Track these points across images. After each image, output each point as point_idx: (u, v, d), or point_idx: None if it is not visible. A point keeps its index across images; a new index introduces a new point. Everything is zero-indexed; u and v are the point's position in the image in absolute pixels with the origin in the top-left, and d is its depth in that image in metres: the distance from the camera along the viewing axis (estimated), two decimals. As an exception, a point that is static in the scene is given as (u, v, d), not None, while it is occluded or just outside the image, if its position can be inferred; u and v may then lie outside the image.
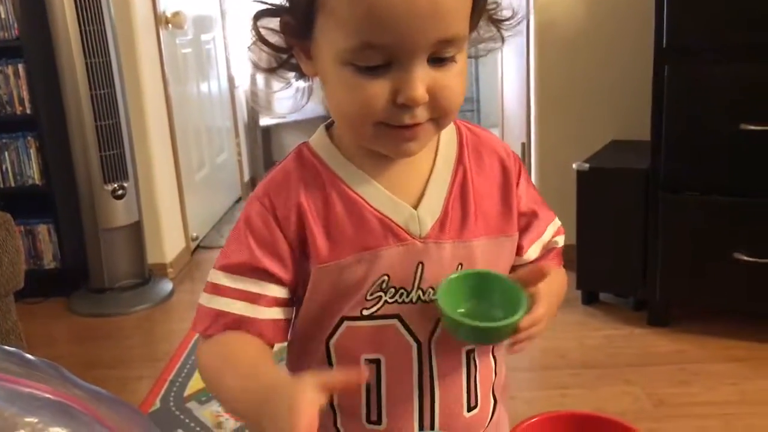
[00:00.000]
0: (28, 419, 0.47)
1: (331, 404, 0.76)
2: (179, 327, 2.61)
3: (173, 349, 2.44)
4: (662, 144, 2.20)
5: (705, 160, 2.18)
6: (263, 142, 4.80)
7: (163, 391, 2.18)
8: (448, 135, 0.77)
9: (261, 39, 0.71)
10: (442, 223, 0.73)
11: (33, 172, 2.79)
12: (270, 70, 0.74)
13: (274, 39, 0.71)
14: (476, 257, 0.74)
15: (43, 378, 0.51)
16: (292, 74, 0.75)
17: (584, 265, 2.47)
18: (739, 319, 2.29)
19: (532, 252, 0.81)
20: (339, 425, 0.77)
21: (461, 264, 0.74)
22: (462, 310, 0.70)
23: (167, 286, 2.97)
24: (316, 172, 0.74)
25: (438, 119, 0.68)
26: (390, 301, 0.73)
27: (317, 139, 0.77)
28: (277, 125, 4.77)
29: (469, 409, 0.78)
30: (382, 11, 0.61)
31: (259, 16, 0.71)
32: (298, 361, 0.79)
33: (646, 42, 2.22)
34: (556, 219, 0.85)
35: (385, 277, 0.72)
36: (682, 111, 2.18)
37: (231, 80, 4.26)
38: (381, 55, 0.63)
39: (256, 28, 0.71)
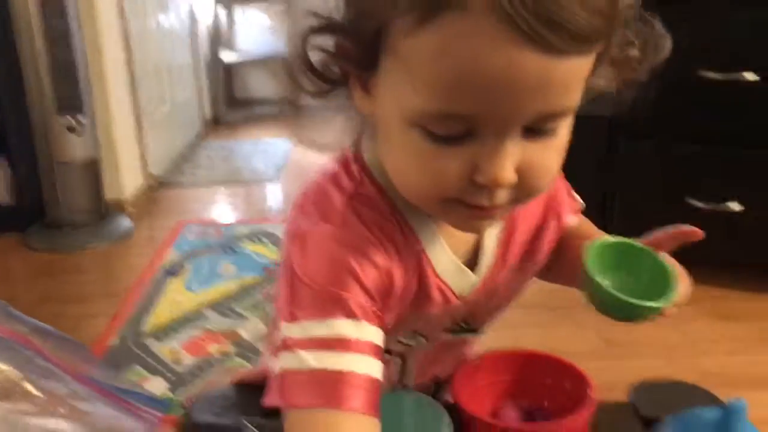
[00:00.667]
0: (-32, 354, 0.47)
1: None
2: (138, 263, 2.59)
3: (132, 285, 2.43)
4: (622, 91, 2.22)
5: (663, 107, 2.20)
6: (225, 80, 4.71)
7: (120, 327, 2.18)
8: None
9: (308, 66, 0.56)
10: (485, 281, 0.69)
11: (-16, 104, 2.71)
12: (316, 95, 0.58)
13: (322, 56, 0.56)
14: (500, 291, 0.72)
15: (-14, 314, 0.51)
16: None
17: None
18: (687, 263, 2.34)
19: (570, 221, 0.77)
20: None
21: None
22: (608, 282, 0.65)
23: (125, 222, 2.94)
24: (390, 217, 0.60)
25: (521, 199, 0.56)
26: (405, 343, 0.71)
27: (378, 169, 0.60)
28: (240, 63, 4.67)
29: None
30: (476, 80, 0.46)
31: (309, 33, 0.55)
32: None
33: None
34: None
35: (420, 330, 0.69)
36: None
37: (192, 15, 4.15)
38: (463, 125, 0.50)
39: (303, 49, 0.56)
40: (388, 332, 0.63)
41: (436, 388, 0.82)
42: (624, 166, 2.32)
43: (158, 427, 0.76)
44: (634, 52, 0.57)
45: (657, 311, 0.63)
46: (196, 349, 2.07)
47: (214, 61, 4.51)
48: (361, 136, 0.63)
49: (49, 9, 2.55)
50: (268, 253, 2.65)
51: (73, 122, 2.71)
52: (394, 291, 0.60)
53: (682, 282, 0.67)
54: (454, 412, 0.69)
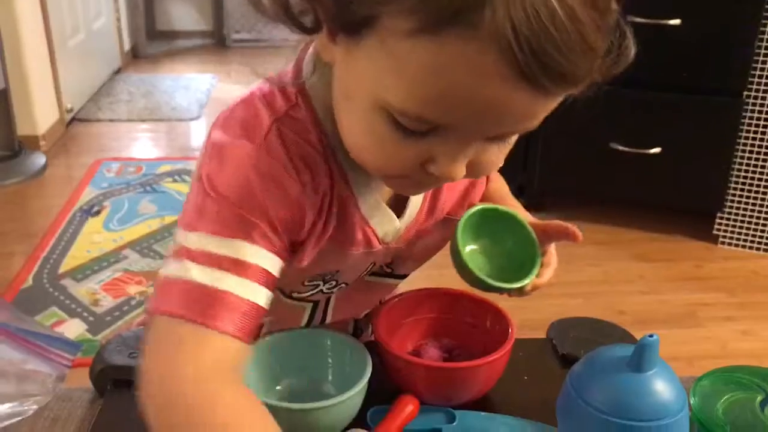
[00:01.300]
0: None
1: None
2: (54, 203, 2.50)
3: (47, 224, 2.34)
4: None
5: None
6: (146, 10, 4.51)
7: (36, 268, 2.10)
8: None
9: (283, 6, 0.51)
10: (409, 229, 0.68)
11: None
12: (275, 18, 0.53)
13: None
14: (424, 241, 0.71)
15: None
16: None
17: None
18: (606, 205, 2.41)
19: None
20: None
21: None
22: (474, 247, 0.67)
23: (40, 159, 2.81)
24: (317, 146, 0.59)
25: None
26: (326, 291, 0.70)
27: (320, 101, 0.58)
28: (161, -9, 4.48)
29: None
30: (463, 102, 0.46)
31: None
32: None
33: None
34: None
35: (336, 273, 0.68)
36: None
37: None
38: (432, 126, 0.49)
39: None
40: (304, 270, 0.62)
41: (354, 326, 0.82)
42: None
43: (69, 369, 0.74)
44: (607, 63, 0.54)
45: (513, 290, 0.66)
46: (115, 290, 2.02)
47: (133, -11, 4.31)
48: (307, 65, 0.60)
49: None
50: (192, 192, 2.60)
51: (-21, 51, 2.55)
52: (305, 224, 0.58)
53: (548, 268, 0.69)
54: (375, 350, 0.68)
